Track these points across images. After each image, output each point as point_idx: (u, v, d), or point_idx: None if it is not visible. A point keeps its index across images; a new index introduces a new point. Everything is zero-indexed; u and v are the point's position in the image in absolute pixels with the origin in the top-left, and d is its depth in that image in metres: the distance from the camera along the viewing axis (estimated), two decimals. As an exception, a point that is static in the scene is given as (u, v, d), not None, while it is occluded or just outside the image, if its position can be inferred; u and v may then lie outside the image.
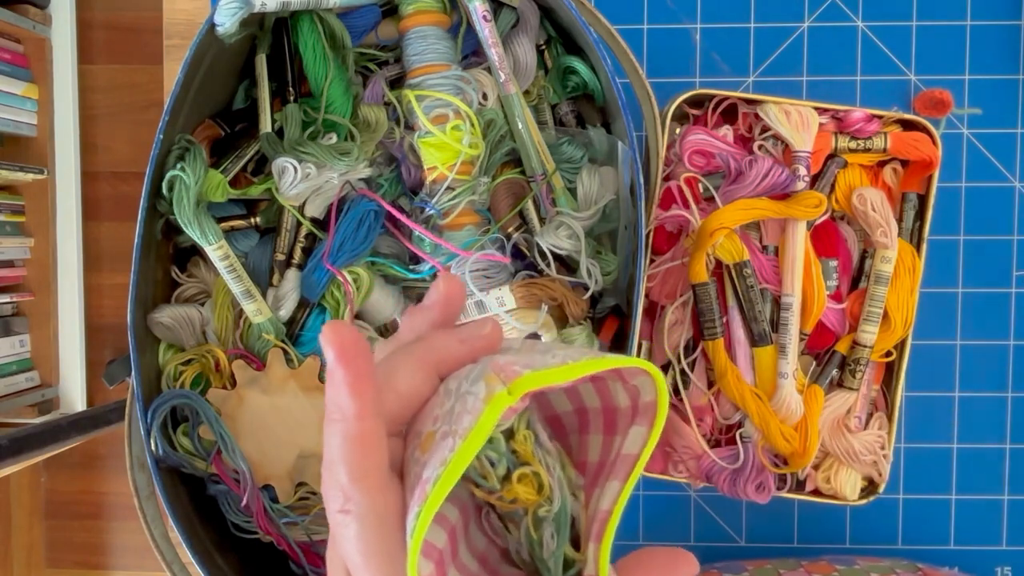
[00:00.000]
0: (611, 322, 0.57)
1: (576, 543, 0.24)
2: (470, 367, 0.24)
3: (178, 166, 0.50)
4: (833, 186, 0.60)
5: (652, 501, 0.69)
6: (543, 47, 0.58)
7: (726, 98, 0.59)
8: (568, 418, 0.27)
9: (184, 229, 0.51)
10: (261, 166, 0.56)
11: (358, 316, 0.56)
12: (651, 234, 0.58)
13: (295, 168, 0.51)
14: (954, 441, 0.68)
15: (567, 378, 0.21)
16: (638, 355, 0.60)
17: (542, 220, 0.56)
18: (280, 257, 0.55)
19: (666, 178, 0.59)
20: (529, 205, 0.56)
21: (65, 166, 1.40)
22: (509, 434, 0.23)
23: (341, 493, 0.22)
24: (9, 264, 1.36)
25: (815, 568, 0.61)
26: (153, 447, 0.51)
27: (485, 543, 0.26)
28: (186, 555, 0.51)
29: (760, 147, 0.59)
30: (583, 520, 0.24)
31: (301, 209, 0.54)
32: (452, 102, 0.52)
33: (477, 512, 0.26)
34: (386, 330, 0.57)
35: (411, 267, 0.56)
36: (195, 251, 0.57)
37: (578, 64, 0.57)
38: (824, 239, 0.59)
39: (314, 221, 0.55)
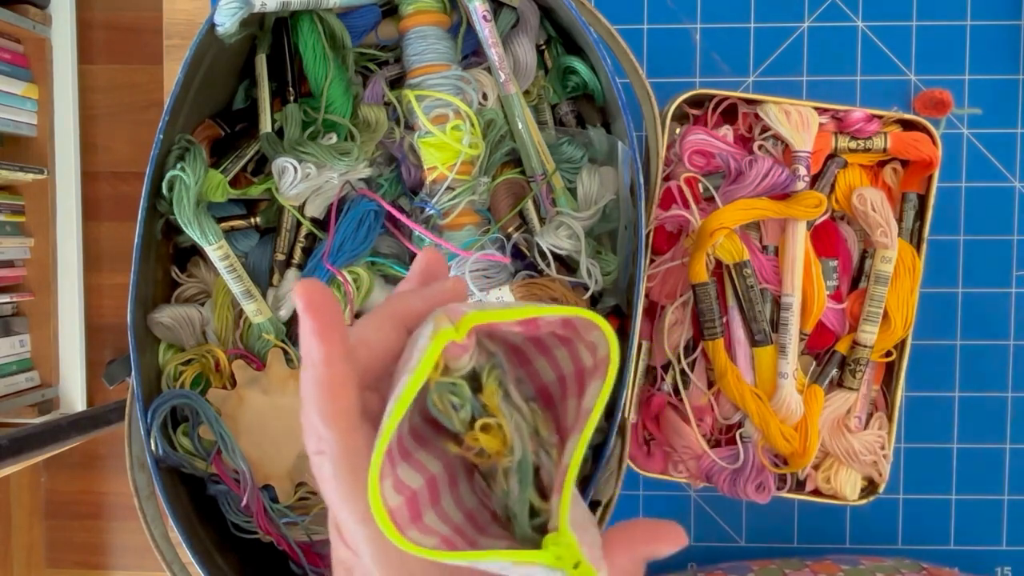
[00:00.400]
0: (611, 322, 0.57)
1: (547, 498, 0.25)
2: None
3: (178, 166, 0.50)
4: (833, 186, 0.60)
5: (652, 501, 0.69)
6: (543, 47, 0.58)
7: (726, 98, 0.59)
8: (553, 387, 0.28)
9: (184, 229, 0.51)
10: (261, 166, 0.56)
11: (358, 316, 0.56)
12: (651, 234, 0.58)
13: (295, 168, 0.51)
14: (954, 441, 0.68)
15: (510, 318, 0.23)
16: (638, 355, 0.60)
17: (542, 220, 0.56)
18: (280, 257, 0.55)
19: (666, 178, 0.59)
20: (529, 205, 0.56)
21: (65, 166, 1.40)
22: (477, 387, 0.25)
23: (315, 435, 0.23)
24: (9, 264, 1.36)
25: (820, 568, 0.61)
26: (153, 447, 0.51)
27: (476, 503, 0.27)
28: (186, 555, 0.51)
29: (760, 147, 0.59)
30: (555, 477, 0.25)
31: (301, 209, 0.54)
32: (452, 102, 0.52)
33: (468, 474, 0.28)
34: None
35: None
36: (195, 251, 0.57)
37: (578, 64, 0.57)
38: (824, 239, 0.59)
39: (314, 221, 0.55)
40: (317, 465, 0.24)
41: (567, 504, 0.23)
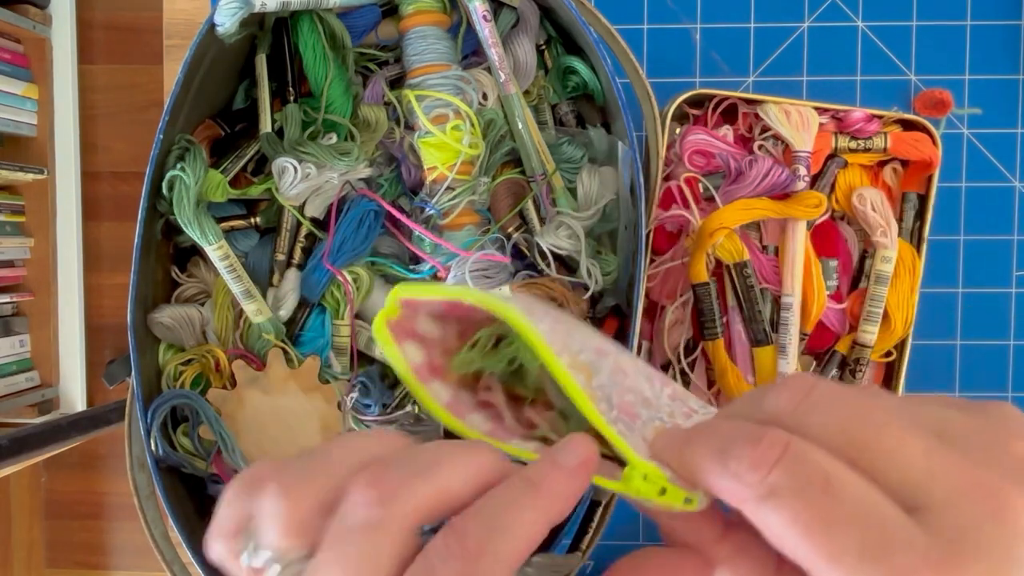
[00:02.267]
0: (611, 322, 0.57)
1: None
2: None
3: (178, 166, 0.50)
4: (833, 186, 0.60)
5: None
6: (543, 47, 0.58)
7: (726, 98, 0.59)
8: None
9: (184, 229, 0.51)
10: (261, 166, 0.56)
11: (358, 316, 0.56)
12: (651, 234, 0.58)
13: (295, 168, 0.51)
14: (954, 441, 0.68)
15: (434, 295, 0.26)
16: (638, 355, 0.60)
17: (542, 220, 0.56)
18: (280, 257, 0.55)
19: (666, 178, 0.59)
20: (529, 205, 0.56)
21: (65, 166, 1.40)
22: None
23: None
24: (9, 264, 1.36)
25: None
26: (153, 447, 0.51)
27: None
28: (186, 555, 0.51)
29: (760, 147, 0.59)
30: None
31: (301, 209, 0.54)
32: (452, 102, 0.52)
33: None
34: (386, 330, 0.57)
35: (411, 267, 0.56)
36: (195, 251, 0.57)
37: (578, 64, 0.57)
38: (824, 239, 0.59)
39: (314, 221, 0.55)
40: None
41: (619, 442, 0.23)
